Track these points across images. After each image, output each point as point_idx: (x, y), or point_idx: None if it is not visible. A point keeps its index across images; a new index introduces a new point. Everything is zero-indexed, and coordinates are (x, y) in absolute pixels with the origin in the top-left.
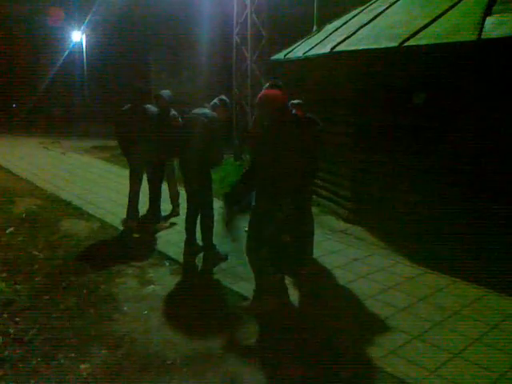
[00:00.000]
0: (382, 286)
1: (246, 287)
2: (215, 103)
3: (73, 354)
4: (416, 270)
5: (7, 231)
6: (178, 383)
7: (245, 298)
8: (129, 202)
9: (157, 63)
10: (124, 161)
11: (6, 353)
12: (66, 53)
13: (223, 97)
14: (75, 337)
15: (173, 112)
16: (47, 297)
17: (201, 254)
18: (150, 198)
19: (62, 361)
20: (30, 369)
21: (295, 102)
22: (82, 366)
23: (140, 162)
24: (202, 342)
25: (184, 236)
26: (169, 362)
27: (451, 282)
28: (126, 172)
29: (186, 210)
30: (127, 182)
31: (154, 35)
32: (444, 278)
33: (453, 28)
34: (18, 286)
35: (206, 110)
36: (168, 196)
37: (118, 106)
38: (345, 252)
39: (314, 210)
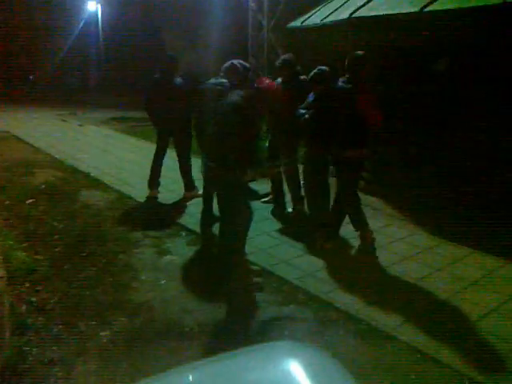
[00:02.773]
0: (398, 257)
1: (261, 257)
2: (226, 67)
3: (93, 322)
4: (433, 240)
5: (27, 202)
6: (196, 350)
7: (261, 269)
8: (151, 171)
9: (171, 32)
10: (141, 132)
11: (29, 320)
12: (82, 23)
13: (234, 61)
14: (95, 305)
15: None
16: (67, 266)
17: (217, 225)
18: (182, 169)
19: (83, 328)
20: (52, 336)
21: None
22: (102, 334)
23: (168, 131)
24: (219, 309)
25: (200, 207)
26: (187, 330)
27: (469, 252)
28: (144, 143)
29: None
30: (144, 153)
31: (168, 3)
32: (461, 248)
33: None
34: (38, 256)
35: (222, 80)
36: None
37: (138, 76)
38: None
39: (330, 181)
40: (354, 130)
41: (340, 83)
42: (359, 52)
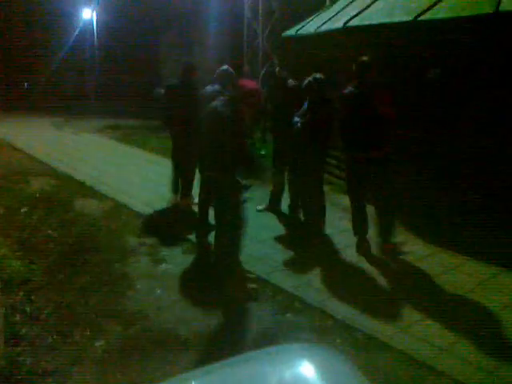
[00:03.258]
0: (393, 265)
1: (256, 265)
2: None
3: (88, 332)
4: (429, 248)
5: (22, 211)
6: (192, 359)
7: (256, 277)
8: (172, 184)
9: (167, 41)
10: (135, 140)
11: (23, 330)
12: (77, 31)
13: (227, 66)
14: (90, 314)
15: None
16: (62, 275)
17: (213, 233)
18: (185, 177)
19: (77, 338)
20: (46, 346)
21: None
22: (97, 343)
23: (186, 140)
24: (214, 318)
25: (196, 215)
26: (182, 339)
27: (464, 260)
28: (138, 151)
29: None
30: (139, 162)
31: (164, 11)
32: (457, 256)
33: (469, 1)
34: (33, 265)
35: (217, 87)
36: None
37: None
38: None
39: (326, 188)
40: (377, 130)
41: (351, 88)
42: (365, 57)
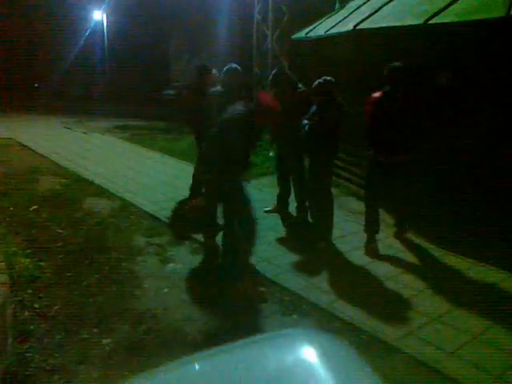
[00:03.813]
0: (401, 268)
1: (264, 267)
2: (227, 71)
3: (95, 330)
4: (436, 252)
5: (31, 209)
6: None
7: (263, 278)
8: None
9: (177, 43)
10: (144, 140)
11: (32, 327)
12: (87, 32)
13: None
14: (97, 312)
15: None
16: (70, 273)
17: (221, 233)
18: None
19: (85, 336)
20: (54, 343)
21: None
22: (105, 341)
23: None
24: (222, 319)
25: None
26: (189, 338)
27: (472, 264)
28: (147, 151)
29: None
30: (147, 162)
31: (174, 14)
32: (464, 260)
33: (480, 5)
34: (41, 263)
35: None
36: None
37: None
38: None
39: (334, 191)
40: (407, 135)
41: (382, 93)
42: (396, 63)
